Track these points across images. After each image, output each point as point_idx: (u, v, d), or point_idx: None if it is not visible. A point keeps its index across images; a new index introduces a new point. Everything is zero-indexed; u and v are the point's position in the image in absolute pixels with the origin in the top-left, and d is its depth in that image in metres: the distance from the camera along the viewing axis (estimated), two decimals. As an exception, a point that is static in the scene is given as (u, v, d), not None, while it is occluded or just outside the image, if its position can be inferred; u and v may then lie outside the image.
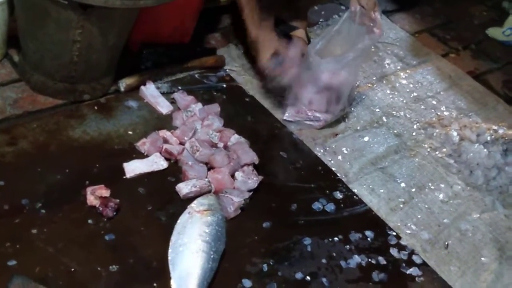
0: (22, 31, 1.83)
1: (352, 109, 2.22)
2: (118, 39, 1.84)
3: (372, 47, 2.57)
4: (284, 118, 2.07)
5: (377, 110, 2.29)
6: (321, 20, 2.69)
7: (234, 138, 1.86)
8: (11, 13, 1.85)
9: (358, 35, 1.97)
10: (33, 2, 1.70)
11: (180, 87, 2.03)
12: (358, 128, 2.17)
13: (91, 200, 1.55)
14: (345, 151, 2.05)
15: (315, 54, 1.99)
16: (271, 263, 1.58)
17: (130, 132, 1.82)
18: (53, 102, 1.85)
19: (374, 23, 1.95)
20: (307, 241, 1.67)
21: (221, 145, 1.84)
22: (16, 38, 1.86)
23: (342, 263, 1.65)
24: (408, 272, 1.69)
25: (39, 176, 1.60)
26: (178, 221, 1.54)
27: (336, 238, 1.71)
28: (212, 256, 1.48)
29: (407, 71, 2.57)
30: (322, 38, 2.03)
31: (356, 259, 1.67)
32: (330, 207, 1.80)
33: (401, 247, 1.75)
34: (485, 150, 2.15)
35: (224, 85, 2.13)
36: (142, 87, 1.94)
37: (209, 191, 1.69)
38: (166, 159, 1.75)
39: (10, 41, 1.93)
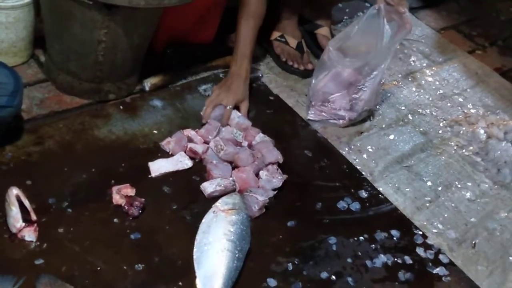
0: (48, 32, 1.85)
1: (377, 107, 2.20)
2: (142, 39, 1.85)
3: (398, 44, 2.55)
4: (308, 117, 2.06)
5: (403, 108, 2.27)
6: (345, 17, 2.68)
7: (259, 137, 1.85)
8: (37, 14, 1.87)
9: (383, 32, 1.95)
10: (58, 3, 1.71)
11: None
12: (384, 126, 2.16)
13: (117, 199, 1.56)
14: (370, 150, 2.03)
15: (336, 51, 1.98)
16: (296, 262, 1.58)
17: (155, 131, 1.83)
18: (79, 102, 1.87)
19: (403, 18, 1.94)
20: (332, 240, 1.66)
21: (245, 144, 1.84)
22: (42, 39, 1.89)
23: (368, 262, 1.64)
24: (434, 271, 1.67)
25: (65, 176, 1.61)
26: (203, 220, 1.55)
27: (361, 237, 1.70)
28: (237, 255, 1.48)
29: (433, 68, 2.55)
30: (344, 35, 2.01)
31: (382, 258, 1.65)
32: (355, 206, 1.79)
33: (427, 247, 1.73)
34: (513, 148, 2.12)
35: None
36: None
37: (234, 190, 1.69)
38: (191, 158, 1.76)
39: (36, 42, 1.95)
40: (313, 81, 2.06)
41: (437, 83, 2.47)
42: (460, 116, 2.30)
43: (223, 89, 1.93)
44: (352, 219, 1.76)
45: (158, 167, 1.70)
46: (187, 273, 1.45)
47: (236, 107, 1.92)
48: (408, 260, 1.68)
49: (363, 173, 1.93)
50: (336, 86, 2.05)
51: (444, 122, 2.26)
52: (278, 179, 1.74)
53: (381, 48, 1.95)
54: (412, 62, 2.55)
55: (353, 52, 2.01)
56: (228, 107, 1.89)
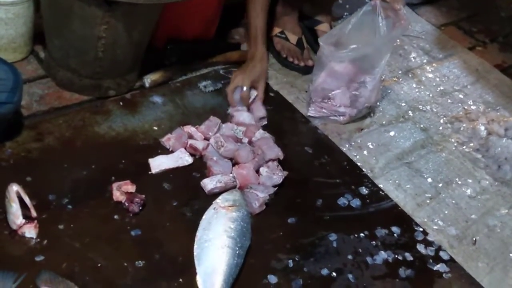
0: (47, 28, 1.84)
1: (378, 103, 2.20)
2: (143, 35, 1.85)
3: (397, 40, 2.55)
4: (309, 114, 2.06)
5: (403, 104, 2.27)
6: (345, 13, 2.66)
7: (259, 133, 1.85)
8: (37, 10, 1.87)
9: (379, 27, 1.94)
10: (59, -2, 1.71)
11: (222, 82, 2.05)
12: (384, 122, 2.16)
13: (117, 195, 1.56)
14: (370, 146, 2.03)
15: (329, 46, 1.96)
16: (297, 259, 1.57)
17: (155, 128, 1.83)
18: (79, 98, 1.87)
19: (398, 15, 1.93)
20: (333, 237, 1.66)
21: (245, 140, 1.84)
22: (42, 35, 1.88)
23: (368, 259, 1.63)
24: (435, 268, 1.67)
25: (65, 172, 1.61)
26: (204, 217, 1.55)
27: (362, 234, 1.70)
28: (237, 252, 1.47)
29: (433, 64, 2.55)
30: (337, 31, 2.00)
31: (383, 255, 1.65)
32: (356, 202, 1.78)
33: (428, 243, 1.73)
34: (514, 144, 2.12)
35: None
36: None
37: (234, 187, 1.69)
38: (191, 154, 1.75)
39: (36, 38, 1.94)
40: (313, 78, 2.05)
41: (438, 79, 2.47)
42: (461, 113, 2.30)
43: (239, 72, 1.97)
44: (352, 215, 1.75)
45: (158, 163, 1.70)
46: (188, 269, 1.44)
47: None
48: (408, 256, 1.67)
49: (363, 169, 1.92)
50: (335, 82, 2.04)
51: (444, 118, 2.26)
52: (278, 176, 1.73)
53: (377, 43, 1.94)
54: (412, 59, 2.55)
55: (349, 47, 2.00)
56: (244, 88, 1.92)
